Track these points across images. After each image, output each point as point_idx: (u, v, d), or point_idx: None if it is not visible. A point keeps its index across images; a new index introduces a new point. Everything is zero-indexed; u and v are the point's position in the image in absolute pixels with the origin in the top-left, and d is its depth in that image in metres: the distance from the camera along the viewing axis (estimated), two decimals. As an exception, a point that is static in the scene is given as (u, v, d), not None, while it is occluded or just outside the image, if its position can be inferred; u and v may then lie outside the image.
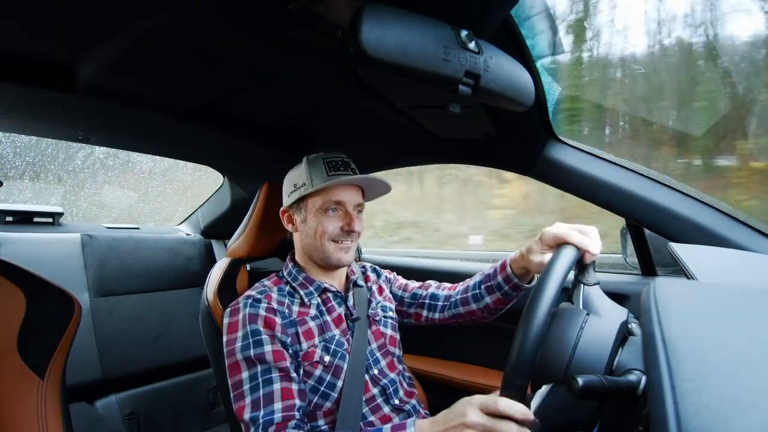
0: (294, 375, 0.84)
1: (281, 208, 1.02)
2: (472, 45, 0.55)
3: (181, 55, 0.78)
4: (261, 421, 0.77)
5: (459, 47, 0.53)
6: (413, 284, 1.16)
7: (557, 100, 1.12)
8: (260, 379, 0.81)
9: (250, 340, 0.84)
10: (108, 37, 0.70)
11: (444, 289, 1.10)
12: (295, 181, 0.98)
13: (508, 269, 0.96)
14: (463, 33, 0.54)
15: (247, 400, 0.80)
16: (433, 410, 1.08)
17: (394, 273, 1.19)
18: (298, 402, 0.81)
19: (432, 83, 0.54)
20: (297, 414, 0.80)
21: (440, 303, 1.08)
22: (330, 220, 0.94)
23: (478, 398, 0.65)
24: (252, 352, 0.83)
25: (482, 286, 1.01)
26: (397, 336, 1.05)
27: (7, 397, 0.69)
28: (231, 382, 0.84)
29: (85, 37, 0.71)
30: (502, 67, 0.60)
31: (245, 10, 0.63)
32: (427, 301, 1.09)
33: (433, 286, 1.13)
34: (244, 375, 0.83)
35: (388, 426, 0.72)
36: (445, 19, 0.53)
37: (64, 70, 0.81)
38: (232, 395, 0.83)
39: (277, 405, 0.79)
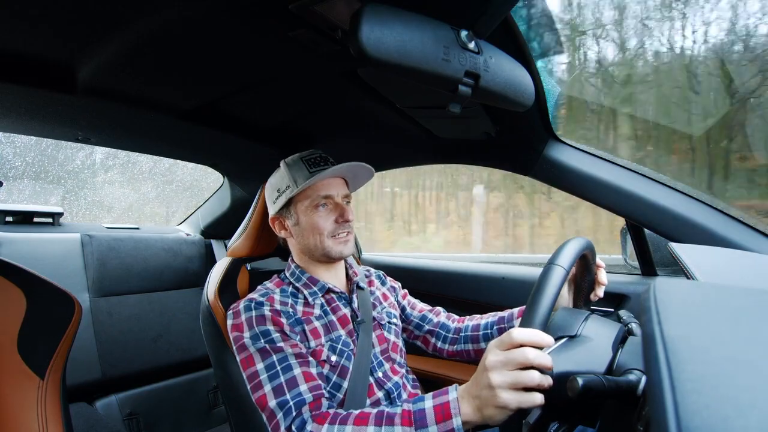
0: (312, 360, 0.83)
1: (270, 217, 1.01)
2: (472, 45, 0.55)
3: (181, 55, 0.78)
4: (291, 403, 0.75)
5: (459, 47, 0.53)
6: (422, 305, 1.16)
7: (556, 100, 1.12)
8: (278, 367, 0.79)
9: (261, 338, 0.83)
10: (108, 37, 0.70)
11: (453, 320, 1.11)
12: (278, 186, 0.97)
13: None
14: (463, 33, 0.54)
15: (267, 388, 0.78)
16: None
17: (399, 284, 1.19)
18: (322, 383, 0.80)
19: (432, 83, 0.54)
20: (326, 393, 0.79)
21: (450, 335, 1.07)
22: (322, 216, 0.94)
23: (494, 341, 0.62)
24: (265, 344, 0.82)
25: (495, 327, 1.02)
26: (400, 343, 1.04)
27: (7, 397, 0.69)
28: (246, 375, 0.82)
29: (85, 37, 0.71)
30: (502, 67, 0.60)
31: (245, 10, 0.63)
32: (437, 329, 1.09)
33: (442, 314, 1.13)
34: (260, 366, 0.80)
35: (430, 394, 0.69)
36: (445, 19, 0.53)
37: (64, 70, 0.81)
38: (249, 387, 0.81)
39: (303, 387, 0.77)
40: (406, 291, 1.18)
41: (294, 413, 0.74)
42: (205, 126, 1.13)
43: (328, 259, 0.98)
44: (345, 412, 0.72)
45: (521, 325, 0.60)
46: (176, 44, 0.73)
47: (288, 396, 0.76)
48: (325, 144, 1.36)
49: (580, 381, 0.51)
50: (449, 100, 0.58)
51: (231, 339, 0.87)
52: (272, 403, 0.76)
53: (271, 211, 1.00)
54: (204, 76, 0.88)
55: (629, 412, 0.54)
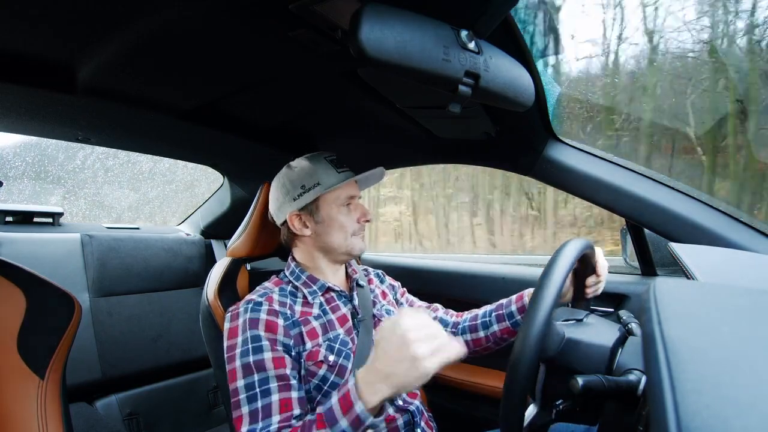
0: (294, 382, 0.83)
1: (290, 212, 0.98)
2: (472, 45, 0.55)
3: (181, 55, 0.78)
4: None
5: (459, 47, 0.53)
6: (420, 302, 1.16)
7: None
8: (258, 390, 0.79)
9: (250, 345, 0.82)
10: (108, 37, 0.70)
11: (451, 315, 1.11)
12: (302, 182, 0.96)
13: (525, 299, 0.98)
14: (463, 33, 0.54)
15: (245, 410, 0.78)
16: (435, 411, 1.08)
17: (399, 283, 1.19)
18: (296, 411, 0.80)
19: (432, 83, 0.54)
20: (294, 422, 0.79)
21: (449, 329, 1.08)
22: (346, 215, 0.97)
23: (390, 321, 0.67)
24: (251, 359, 0.81)
25: (493, 314, 1.03)
26: None
27: (7, 397, 0.69)
28: (230, 389, 0.83)
29: (85, 37, 0.71)
30: (502, 67, 0.60)
31: (245, 10, 0.63)
32: None
33: (440, 310, 1.13)
34: (240, 383, 0.81)
35: (335, 393, 0.71)
36: (445, 19, 0.53)
37: (64, 70, 0.81)
38: (231, 402, 0.82)
39: (275, 418, 0.78)
40: (404, 290, 1.18)
41: None
42: (205, 126, 1.13)
43: (348, 257, 1.00)
44: None
45: (535, 294, 0.62)
46: (176, 44, 0.73)
47: (259, 425, 0.77)
48: (325, 144, 1.36)
49: (580, 381, 0.51)
50: (449, 100, 0.58)
51: (225, 345, 0.86)
52: (244, 429, 0.77)
53: (290, 207, 0.98)
54: (204, 76, 0.88)
55: (629, 412, 0.54)
